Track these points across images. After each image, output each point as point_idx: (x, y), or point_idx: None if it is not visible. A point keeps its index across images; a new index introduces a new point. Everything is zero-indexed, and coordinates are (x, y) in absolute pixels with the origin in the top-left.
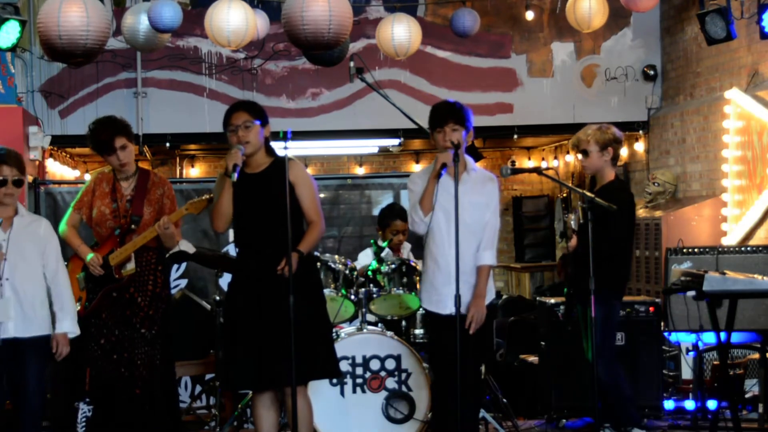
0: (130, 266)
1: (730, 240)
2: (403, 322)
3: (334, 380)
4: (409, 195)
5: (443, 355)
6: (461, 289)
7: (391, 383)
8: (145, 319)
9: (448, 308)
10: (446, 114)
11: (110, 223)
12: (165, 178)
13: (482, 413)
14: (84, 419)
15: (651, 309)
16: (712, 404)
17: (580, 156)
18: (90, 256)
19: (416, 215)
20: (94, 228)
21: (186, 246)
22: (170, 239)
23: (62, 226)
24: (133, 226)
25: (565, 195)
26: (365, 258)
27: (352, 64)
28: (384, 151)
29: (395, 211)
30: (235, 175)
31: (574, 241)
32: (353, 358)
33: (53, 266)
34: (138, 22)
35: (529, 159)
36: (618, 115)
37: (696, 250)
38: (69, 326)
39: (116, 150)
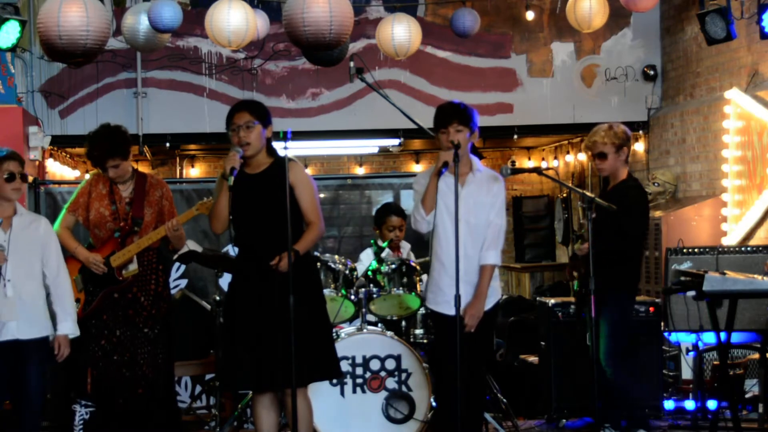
0: (133, 267)
1: (730, 240)
2: (403, 322)
3: (335, 380)
4: (414, 195)
5: (446, 355)
6: (465, 289)
7: (391, 383)
8: (148, 319)
9: (453, 309)
10: (450, 114)
11: (110, 225)
12: (162, 180)
13: None
14: (81, 421)
15: (651, 309)
16: (712, 404)
17: (597, 159)
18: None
19: (418, 214)
20: (92, 230)
21: (194, 246)
22: (179, 240)
23: (56, 227)
24: (135, 228)
25: (565, 195)
26: (366, 258)
27: (352, 64)
28: (384, 151)
29: (390, 208)
30: (232, 179)
31: (587, 246)
32: (353, 358)
33: (54, 266)
34: (138, 22)
35: (529, 159)
36: (618, 115)
37: (696, 250)
38: (70, 327)
39: (107, 169)
